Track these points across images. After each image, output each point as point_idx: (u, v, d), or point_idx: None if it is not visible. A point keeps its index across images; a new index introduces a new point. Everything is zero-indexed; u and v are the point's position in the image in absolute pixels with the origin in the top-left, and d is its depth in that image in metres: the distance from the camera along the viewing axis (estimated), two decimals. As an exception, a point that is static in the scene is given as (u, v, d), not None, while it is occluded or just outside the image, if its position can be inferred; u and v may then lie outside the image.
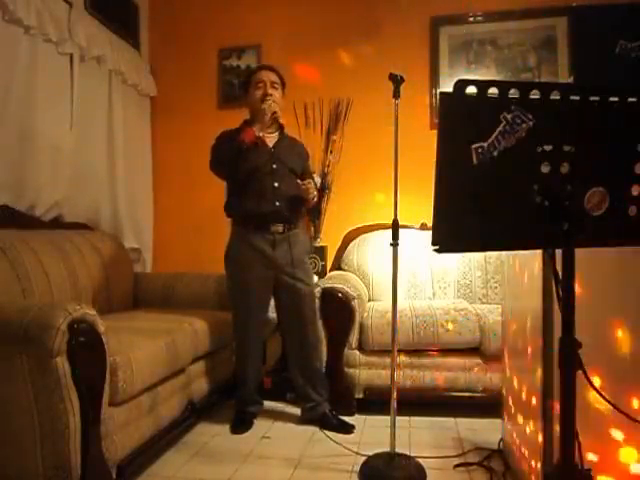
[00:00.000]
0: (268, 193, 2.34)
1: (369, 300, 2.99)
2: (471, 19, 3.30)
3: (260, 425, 2.41)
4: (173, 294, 2.92)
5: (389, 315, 2.22)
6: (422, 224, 3.20)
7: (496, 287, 2.98)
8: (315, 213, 3.18)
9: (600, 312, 1.30)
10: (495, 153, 0.91)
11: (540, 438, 1.42)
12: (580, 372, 0.98)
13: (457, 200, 0.92)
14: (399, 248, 1.92)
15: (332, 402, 2.44)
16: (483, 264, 3.04)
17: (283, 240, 2.37)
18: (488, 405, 2.29)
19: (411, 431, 2.32)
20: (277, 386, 2.74)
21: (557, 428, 1.04)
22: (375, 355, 2.55)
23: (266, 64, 2.60)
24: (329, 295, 2.55)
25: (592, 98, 0.93)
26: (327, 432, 2.28)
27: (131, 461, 1.80)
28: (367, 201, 3.35)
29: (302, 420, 2.44)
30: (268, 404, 2.63)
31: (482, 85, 0.90)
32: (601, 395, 1.10)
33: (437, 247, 0.93)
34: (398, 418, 1.91)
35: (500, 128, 0.91)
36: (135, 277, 3.02)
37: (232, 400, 2.53)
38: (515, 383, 1.79)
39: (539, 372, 1.45)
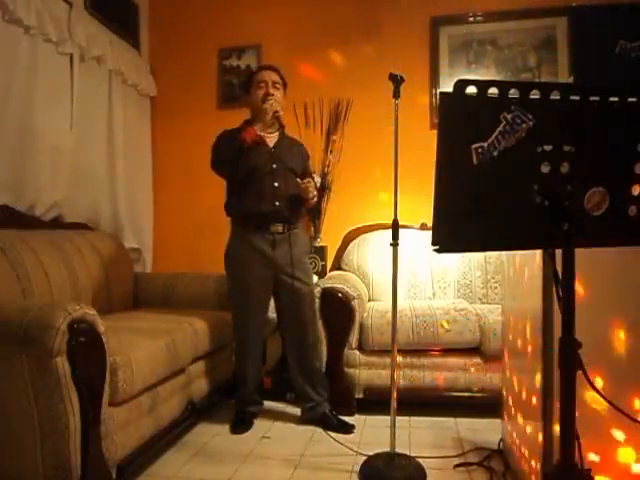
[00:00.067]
0: (268, 193, 2.34)
1: (369, 300, 2.98)
2: (471, 19, 3.31)
3: (260, 425, 2.41)
4: (173, 294, 2.92)
5: (389, 315, 2.21)
6: (422, 224, 3.20)
7: (496, 287, 2.98)
8: (315, 213, 3.18)
9: (600, 312, 1.30)
10: (495, 153, 0.91)
11: (540, 438, 1.42)
12: (580, 372, 0.98)
13: (457, 200, 0.92)
14: (399, 248, 1.92)
15: (332, 402, 2.44)
16: (483, 264, 3.04)
17: (283, 240, 2.37)
18: (488, 405, 2.29)
19: (411, 431, 2.32)
20: (277, 386, 2.75)
21: (557, 428, 1.04)
22: (375, 355, 2.55)
23: (268, 64, 2.60)
24: (329, 295, 2.55)
25: (592, 98, 0.93)
26: (329, 432, 2.27)
27: (131, 461, 1.80)
28: (367, 201, 3.35)
29: (302, 420, 2.44)
30: (268, 404, 2.63)
31: (482, 85, 0.90)
32: (601, 395, 1.10)
33: (437, 247, 0.93)
34: (398, 418, 1.91)
35: (500, 128, 0.91)
36: (135, 277, 3.02)
37: (232, 400, 2.53)
38: (515, 383, 1.79)
39: (539, 372, 1.44)
